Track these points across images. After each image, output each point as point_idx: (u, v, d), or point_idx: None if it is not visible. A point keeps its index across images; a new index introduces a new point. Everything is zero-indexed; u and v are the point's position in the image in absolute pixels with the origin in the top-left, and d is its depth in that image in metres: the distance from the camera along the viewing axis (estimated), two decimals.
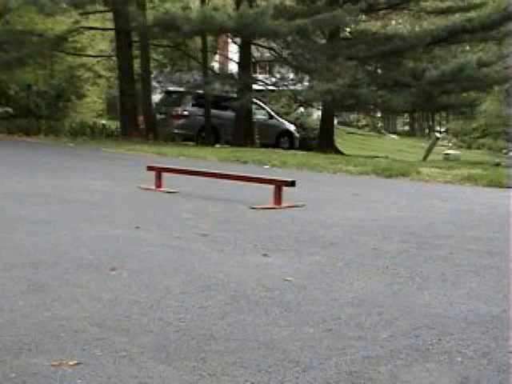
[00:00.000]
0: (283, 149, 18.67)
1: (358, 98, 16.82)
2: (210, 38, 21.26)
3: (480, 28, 17.74)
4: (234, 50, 22.05)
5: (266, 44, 20.61)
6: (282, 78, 21.05)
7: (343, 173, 10.70)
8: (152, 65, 21.43)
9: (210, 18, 15.50)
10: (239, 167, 10.64)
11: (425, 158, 18.91)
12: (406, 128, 53.28)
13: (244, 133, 19.02)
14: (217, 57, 26.09)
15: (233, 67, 22.22)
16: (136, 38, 19.30)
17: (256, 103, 20.39)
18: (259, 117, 20.87)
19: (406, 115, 46.81)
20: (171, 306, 2.95)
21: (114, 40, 20.58)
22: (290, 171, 10.38)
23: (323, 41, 19.76)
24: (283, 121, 22.20)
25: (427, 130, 49.59)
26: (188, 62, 24.43)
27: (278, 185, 6.21)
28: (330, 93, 16.01)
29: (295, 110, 25.32)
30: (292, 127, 22.27)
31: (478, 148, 35.73)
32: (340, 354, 2.43)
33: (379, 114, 38.29)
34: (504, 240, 4.78)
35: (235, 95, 18.85)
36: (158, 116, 20.12)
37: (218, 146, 18.02)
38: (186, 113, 19.61)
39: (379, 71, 20.31)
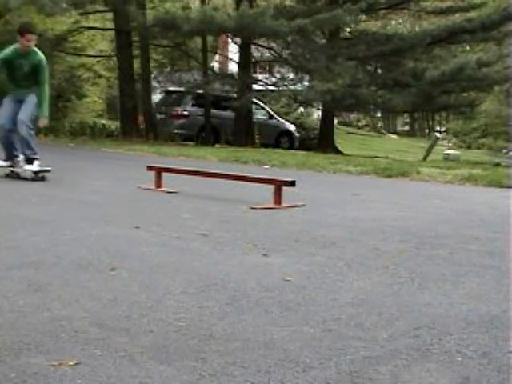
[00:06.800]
0: (283, 149, 18.68)
1: (357, 98, 16.83)
2: (210, 38, 21.28)
3: (480, 28, 17.75)
4: (234, 50, 22.07)
5: (266, 44, 20.63)
6: (282, 78, 21.06)
7: (343, 173, 10.70)
8: (152, 65, 21.44)
9: (210, 18, 15.52)
10: (239, 167, 10.64)
11: (425, 158, 18.93)
12: (406, 128, 53.34)
13: (244, 133, 19.02)
14: (217, 57, 26.11)
15: (233, 67, 22.23)
16: (136, 38, 19.32)
17: (256, 103, 20.39)
18: (259, 117, 20.87)
19: (405, 115, 46.86)
20: (171, 306, 2.94)
21: (114, 40, 20.60)
22: (290, 171, 10.37)
23: (323, 41, 19.77)
24: (283, 121, 22.20)
25: (427, 130, 49.62)
26: (188, 61, 24.47)
27: (278, 185, 6.21)
28: (330, 93, 16.02)
29: (295, 109, 25.34)
30: (292, 127, 22.28)
31: (478, 148, 35.79)
32: (340, 354, 2.43)
33: (379, 114, 38.34)
34: (504, 240, 4.78)
35: (235, 95, 18.86)
36: (158, 116, 20.12)
37: (217, 146, 18.02)
38: (185, 113, 19.62)
39: (379, 71, 20.32)
